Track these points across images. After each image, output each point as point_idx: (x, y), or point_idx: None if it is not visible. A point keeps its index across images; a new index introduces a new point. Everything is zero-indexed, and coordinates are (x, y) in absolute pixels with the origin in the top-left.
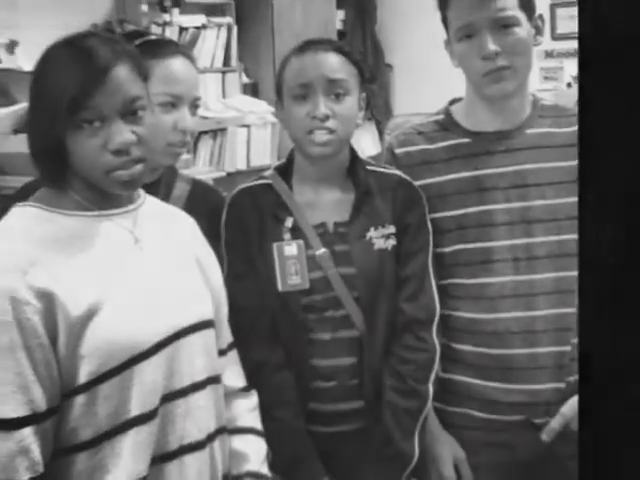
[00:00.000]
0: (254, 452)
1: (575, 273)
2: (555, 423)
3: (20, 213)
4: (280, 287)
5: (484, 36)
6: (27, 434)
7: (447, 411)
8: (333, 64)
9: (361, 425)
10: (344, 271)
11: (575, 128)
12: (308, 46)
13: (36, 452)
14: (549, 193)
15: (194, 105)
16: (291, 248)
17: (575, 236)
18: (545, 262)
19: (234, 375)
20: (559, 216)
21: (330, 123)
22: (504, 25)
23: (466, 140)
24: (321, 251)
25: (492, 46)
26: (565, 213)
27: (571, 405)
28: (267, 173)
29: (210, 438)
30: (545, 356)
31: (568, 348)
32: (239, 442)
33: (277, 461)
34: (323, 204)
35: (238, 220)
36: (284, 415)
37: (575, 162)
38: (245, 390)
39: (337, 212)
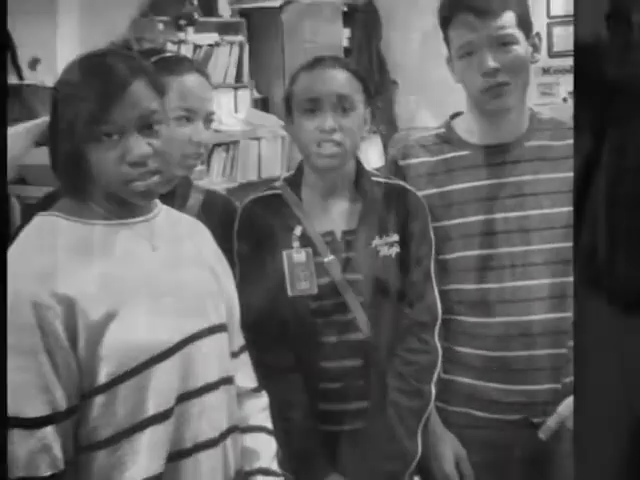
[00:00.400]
0: (265, 449)
1: (570, 279)
2: (551, 422)
3: (42, 222)
4: (290, 292)
5: (484, 54)
6: (48, 432)
7: (449, 411)
8: (340, 80)
9: (366, 424)
10: (351, 277)
11: (570, 141)
12: (316, 63)
13: (57, 449)
14: (545, 203)
15: (208, 119)
16: (300, 255)
17: (570, 244)
18: (542, 269)
19: (246, 376)
20: (555, 225)
21: (337, 136)
22: (503, 43)
23: (466, 152)
24: (329, 258)
25: (492, 63)
26: (561, 222)
27: (567, 405)
28: (277, 184)
29: (223, 436)
30: (542, 358)
31: (564, 350)
32: (250, 440)
33: (287, 458)
34: (331, 213)
35: (249, 228)
36: (293, 414)
37: (570, 173)
38: (256, 391)
39: (344, 221)
